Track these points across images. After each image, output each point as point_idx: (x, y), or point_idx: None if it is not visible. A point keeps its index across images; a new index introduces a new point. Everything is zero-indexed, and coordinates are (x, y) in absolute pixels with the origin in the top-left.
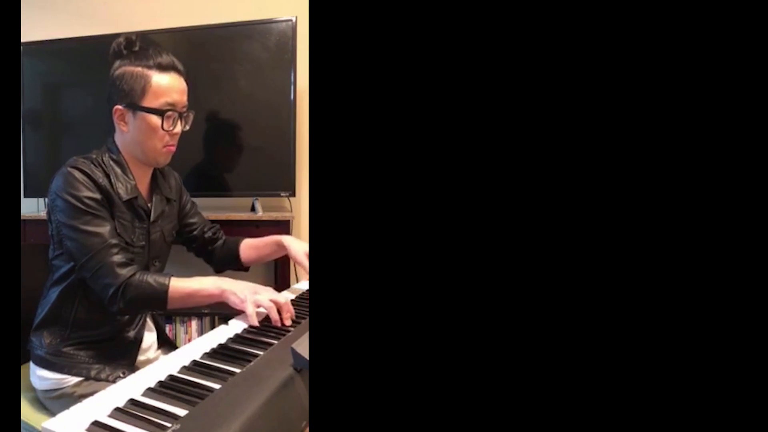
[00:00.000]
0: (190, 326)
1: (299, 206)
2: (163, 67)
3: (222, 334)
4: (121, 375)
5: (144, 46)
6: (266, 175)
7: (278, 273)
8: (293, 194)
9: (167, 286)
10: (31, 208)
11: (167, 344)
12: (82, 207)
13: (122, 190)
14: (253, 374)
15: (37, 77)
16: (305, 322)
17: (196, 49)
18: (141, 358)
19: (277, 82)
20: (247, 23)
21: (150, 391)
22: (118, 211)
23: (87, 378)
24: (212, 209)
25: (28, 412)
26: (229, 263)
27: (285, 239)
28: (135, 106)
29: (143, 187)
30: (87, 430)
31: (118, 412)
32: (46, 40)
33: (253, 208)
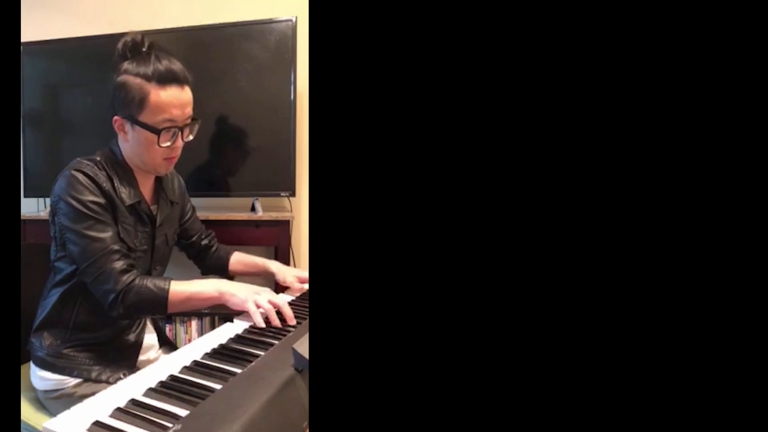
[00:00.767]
0: (190, 326)
1: (299, 206)
2: (163, 80)
3: (223, 334)
4: (122, 376)
5: (149, 50)
6: (266, 175)
7: None
8: (293, 194)
9: (167, 291)
10: (31, 208)
11: (168, 345)
12: (86, 211)
13: (125, 195)
14: (253, 374)
15: (37, 77)
16: (306, 323)
17: (196, 49)
18: (142, 358)
19: (277, 82)
20: (247, 23)
21: (151, 391)
22: (121, 215)
23: (87, 379)
24: (212, 209)
25: (28, 413)
26: (217, 271)
27: (274, 267)
28: (133, 119)
29: (147, 190)
30: (88, 430)
31: (119, 412)
32: (46, 40)
33: (253, 208)
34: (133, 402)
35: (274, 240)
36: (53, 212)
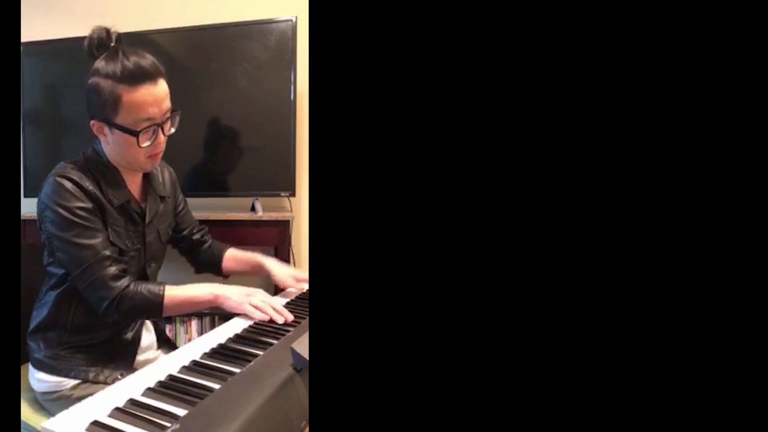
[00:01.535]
0: (190, 326)
1: (299, 206)
2: (134, 79)
3: (221, 334)
4: (119, 377)
5: (116, 46)
6: (266, 175)
7: None
8: (293, 194)
9: (162, 297)
10: (31, 208)
11: (167, 344)
12: (73, 218)
13: (113, 196)
14: (252, 374)
15: (37, 77)
16: (305, 322)
17: (196, 49)
18: (140, 358)
19: (277, 82)
20: (247, 23)
21: (150, 391)
22: (110, 217)
23: (85, 381)
24: (212, 209)
25: (27, 413)
26: (210, 268)
27: (268, 263)
28: (110, 123)
29: (135, 188)
30: (87, 430)
31: (118, 412)
32: (46, 40)
33: (253, 208)
34: (132, 402)
35: (274, 240)
36: (40, 219)
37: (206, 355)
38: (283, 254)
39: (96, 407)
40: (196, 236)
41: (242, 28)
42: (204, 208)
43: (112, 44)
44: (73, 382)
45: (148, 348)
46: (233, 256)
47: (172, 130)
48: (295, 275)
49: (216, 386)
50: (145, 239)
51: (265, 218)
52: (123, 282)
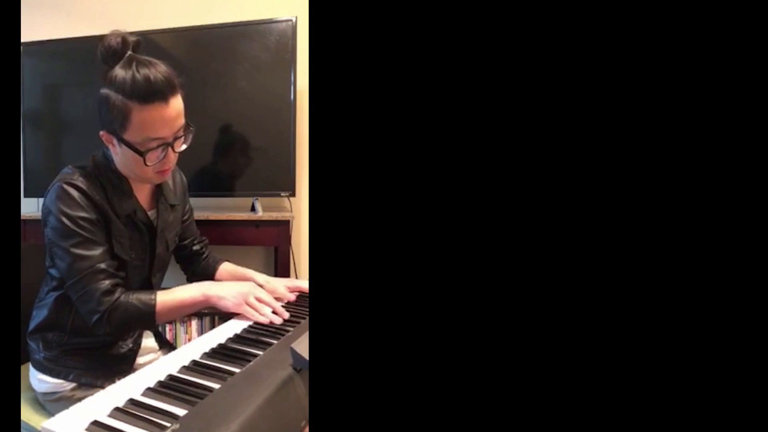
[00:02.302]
0: (190, 326)
1: (299, 206)
2: (145, 97)
3: (221, 333)
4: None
5: (131, 56)
6: (266, 175)
7: (278, 272)
8: (293, 194)
9: (153, 306)
10: (31, 208)
11: (167, 347)
12: (74, 228)
13: (119, 206)
14: (252, 374)
15: (37, 77)
16: (305, 322)
17: (195, 49)
18: (141, 361)
19: (277, 82)
20: (247, 23)
21: (149, 391)
22: (115, 228)
23: (84, 384)
24: (212, 209)
25: (27, 413)
26: (203, 279)
27: (261, 279)
28: (118, 137)
29: (144, 196)
30: (87, 429)
31: (118, 412)
32: (46, 40)
33: (253, 208)
34: (132, 402)
35: (274, 240)
36: (43, 223)
37: (206, 355)
38: (283, 254)
39: (96, 407)
40: (196, 247)
41: (242, 28)
42: (204, 208)
43: (129, 53)
44: (72, 384)
45: (149, 351)
46: (227, 270)
47: (185, 146)
48: (288, 285)
49: (216, 386)
50: (155, 250)
51: (265, 218)
52: (114, 296)
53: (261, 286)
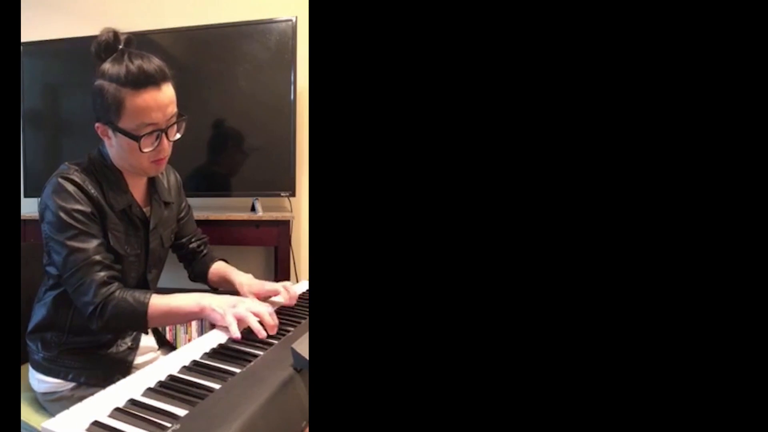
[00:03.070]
0: (191, 326)
1: (299, 206)
2: (137, 83)
3: (222, 333)
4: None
5: (123, 49)
6: (266, 175)
7: (278, 272)
8: (293, 194)
9: (146, 306)
10: (31, 208)
11: (167, 347)
12: (70, 221)
13: (115, 200)
14: (253, 374)
15: (37, 77)
16: (305, 322)
17: (196, 49)
18: (140, 361)
19: (277, 82)
20: (247, 23)
21: (150, 391)
22: (110, 222)
23: (84, 383)
24: (212, 209)
25: (27, 413)
26: (200, 278)
27: (241, 279)
28: (113, 126)
29: (138, 192)
30: (87, 430)
31: (118, 412)
32: (46, 40)
33: (253, 208)
34: (132, 402)
35: (274, 240)
36: (40, 218)
37: (206, 355)
38: (283, 254)
39: (96, 407)
40: (194, 245)
41: (242, 28)
42: (204, 208)
43: (120, 47)
44: (72, 383)
45: (148, 351)
46: (216, 270)
47: (178, 135)
48: (256, 291)
49: (216, 386)
50: (149, 245)
51: (265, 218)
52: (110, 288)
53: (234, 284)
